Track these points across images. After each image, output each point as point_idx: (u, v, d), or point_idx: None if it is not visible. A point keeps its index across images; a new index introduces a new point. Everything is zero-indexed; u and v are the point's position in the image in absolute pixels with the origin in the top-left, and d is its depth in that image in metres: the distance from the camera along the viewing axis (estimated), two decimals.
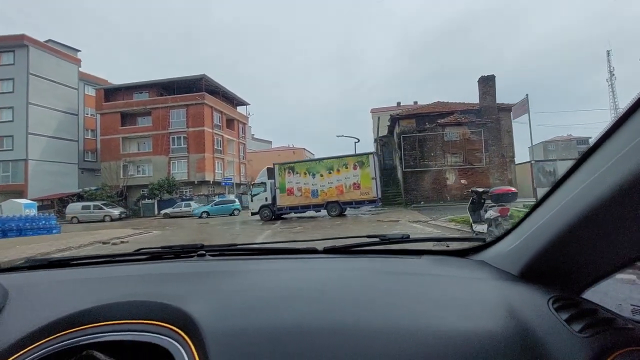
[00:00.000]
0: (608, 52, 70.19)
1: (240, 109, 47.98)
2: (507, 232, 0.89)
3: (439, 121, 21.25)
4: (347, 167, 16.79)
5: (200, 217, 26.89)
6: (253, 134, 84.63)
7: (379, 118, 22.43)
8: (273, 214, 17.91)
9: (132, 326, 0.69)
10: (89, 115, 43.36)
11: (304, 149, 73.87)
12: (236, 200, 29.11)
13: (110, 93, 40.33)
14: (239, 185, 43.07)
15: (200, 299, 0.76)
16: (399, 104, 58.11)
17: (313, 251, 1.16)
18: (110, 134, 39.19)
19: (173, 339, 0.65)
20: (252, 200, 18.94)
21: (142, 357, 0.66)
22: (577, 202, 0.62)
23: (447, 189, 20.86)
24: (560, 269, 0.72)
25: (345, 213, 17.86)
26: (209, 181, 37.15)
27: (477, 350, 0.57)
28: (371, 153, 16.89)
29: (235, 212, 27.35)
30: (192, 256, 1.14)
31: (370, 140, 51.00)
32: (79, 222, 28.39)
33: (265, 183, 18.54)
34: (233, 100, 45.28)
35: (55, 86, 38.92)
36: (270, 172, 18.63)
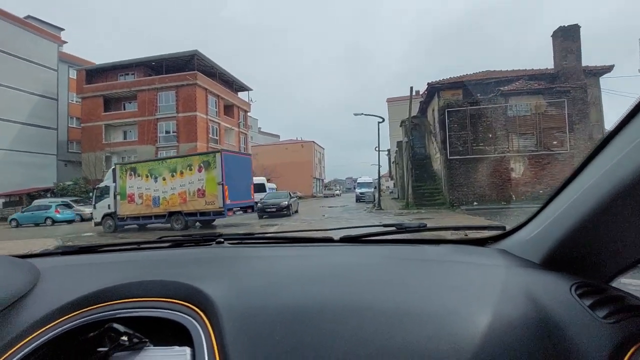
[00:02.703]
0: None
1: (242, 95, 42.52)
2: (528, 220, 0.87)
3: (502, 88, 15.13)
4: (191, 169, 13.28)
5: (10, 223, 21.77)
6: (260, 127, 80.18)
7: (411, 88, 16.12)
8: (116, 225, 14.65)
9: (151, 303, 0.72)
10: (73, 102, 38.42)
11: (314, 142, 68.20)
12: (53, 205, 22.54)
13: (93, 75, 35.36)
14: None
15: (218, 280, 0.78)
16: (412, 89, 51.85)
17: (329, 240, 1.18)
18: (92, 120, 34.24)
19: (190, 316, 0.68)
20: (95, 208, 15.55)
21: (162, 333, 0.69)
22: (598, 188, 0.60)
23: (512, 184, 14.83)
24: (584, 257, 0.70)
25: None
26: None
27: (498, 334, 0.56)
28: (219, 151, 13.26)
29: (49, 222, 21.22)
30: (211, 244, 1.18)
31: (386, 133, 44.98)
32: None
33: (109, 187, 15.13)
34: (232, 84, 39.78)
35: (31, 66, 34.04)
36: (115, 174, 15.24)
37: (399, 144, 29.25)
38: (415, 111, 22.29)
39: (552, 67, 16.57)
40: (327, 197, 58.64)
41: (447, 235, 1.29)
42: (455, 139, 15.41)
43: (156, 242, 1.26)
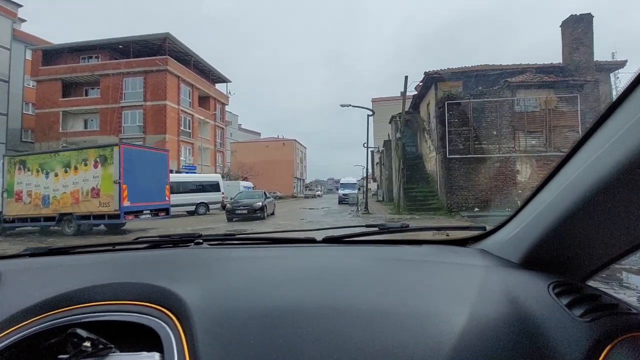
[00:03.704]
0: None
1: (220, 87, 39.66)
2: (508, 220, 0.87)
3: (510, 80, 13.37)
4: (86, 165, 11.26)
5: None
6: (240, 124, 77.33)
7: (406, 78, 14.15)
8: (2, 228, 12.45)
9: (118, 307, 0.68)
10: (30, 86, 34.45)
11: (295, 140, 65.87)
12: None
13: (51, 56, 31.71)
14: None
15: (192, 282, 0.75)
16: (407, 79, 50.45)
17: (311, 241, 1.16)
18: (48, 106, 30.64)
19: (161, 320, 0.64)
20: None
21: (133, 338, 0.65)
22: (574, 188, 0.61)
23: (518, 187, 13.09)
24: (561, 256, 0.71)
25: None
26: (172, 170, 28.79)
27: (476, 334, 0.55)
28: (116, 144, 11.28)
29: None
30: (189, 245, 1.14)
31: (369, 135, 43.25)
32: None
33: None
34: (209, 74, 36.92)
35: None
36: None
37: (386, 143, 27.38)
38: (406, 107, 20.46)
39: (556, 62, 15.01)
40: (307, 197, 56.75)
41: (429, 235, 1.31)
42: (456, 135, 13.55)
43: (132, 242, 1.22)
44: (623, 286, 3.28)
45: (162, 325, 0.63)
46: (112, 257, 1.07)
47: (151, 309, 0.67)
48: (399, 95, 50.62)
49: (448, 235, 1.19)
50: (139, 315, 0.66)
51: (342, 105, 16.14)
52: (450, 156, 13.51)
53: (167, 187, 12.74)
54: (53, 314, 0.68)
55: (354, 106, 16.21)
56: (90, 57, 31.88)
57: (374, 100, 60.51)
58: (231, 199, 17.08)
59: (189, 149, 32.35)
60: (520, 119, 13.40)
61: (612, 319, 0.55)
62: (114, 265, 0.95)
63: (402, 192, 15.51)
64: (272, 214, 17.08)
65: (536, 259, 0.75)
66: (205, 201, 20.25)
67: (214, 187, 21.28)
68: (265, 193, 16.79)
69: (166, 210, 12.60)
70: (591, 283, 0.71)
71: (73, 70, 30.72)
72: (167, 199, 12.63)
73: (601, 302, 0.59)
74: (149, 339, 0.62)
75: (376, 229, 1.13)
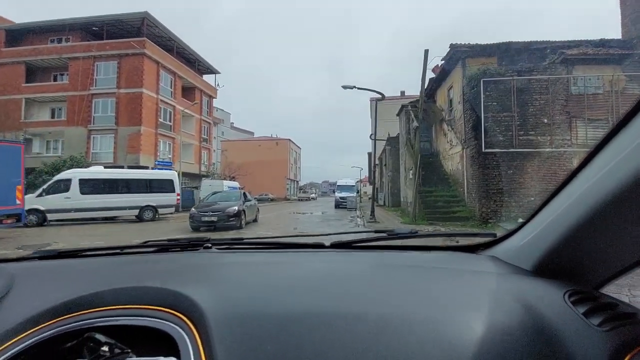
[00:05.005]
0: None
1: (208, 78, 36.28)
2: (519, 227, 0.87)
3: (567, 52, 10.28)
4: None
5: None
6: (232, 123, 74.06)
7: (426, 52, 10.97)
8: None
9: (134, 311, 0.69)
10: None
11: (290, 140, 62.64)
12: None
13: (15, 36, 28.13)
14: (196, 176, 31.46)
15: (205, 286, 0.76)
16: (402, 93, 47.62)
17: (320, 245, 1.16)
18: (9, 92, 26.99)
19: (177, 325, 0.65)
20: None
21: (147, 342, 0.65)
22: (590, 195, 0.60)
23: None
24: (575, 264, 0.71)
25: None
26: (148, 167, 25.28)
27: (490, 341, 0.55)
28: None
29: None
30: (198, 249, 1.14)
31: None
32: None
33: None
34: (195, 64, 33.57)
35: None
36: None
37: (390, 140, 24.25)
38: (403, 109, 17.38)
39: (609, 36, 12.00)
40: (301, 200, 53.48)
41: (439, 242, 1.30)
42: (494, 123, 10.44)
43: (141, 246, 1.20)
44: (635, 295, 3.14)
45: (177, 330, 0.63)
46: (121, 261, 1.06)
47: (166, 314, 0.67)
48: (400, 95, 47.99)
49: (458, 242, 1.18)
50: (155, 320, 0.66)
51: (345, 87, 13.01)
52: (486, 150, 10.35)
53: (20, 187, 10.43)
54: (68, 317, 0.68)
55: (358, 88, 13.08)
56: (60, 39, 28.36)
57: (372, 100, 57.65)
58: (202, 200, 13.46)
59: (169, 144, 28.92)
60: (578, 103, 10.36)
61: (630, 328, 0.54)
62: (124, 269, 0.95)
63: (417, 197, 12.32)
64: (254, 220, 13.75)
65: (549, 267, 0.74)
66: (154, 204, 16.25)
67: (167, 186, 17.08)
68: (245, 194, 13.28)
69: (17, 217, 10.38)
70: (604, 291, 0.70)
71: (38, 53, 27.16)
72: (18, 202, 10.35)
73: (619, 311, 0.58)
74: (164, 344, 0.62)
75: (385, 234, 1.14)
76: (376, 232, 1.17)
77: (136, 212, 15.94)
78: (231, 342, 0.58)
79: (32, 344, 0.63)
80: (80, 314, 0.68)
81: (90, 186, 15.15)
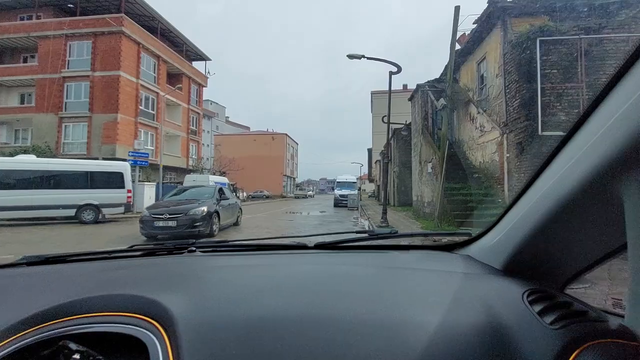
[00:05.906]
0: None
1: (197, 65, 33.39)
2: (493, 225, 0.87)
3: None
4: None
5: None
6: (228, 117, 71.22)
7: (457, 8, 8.24)
8: None
9: (108, 318, 0.69)
10: None
11: (286, 134, 59.88)
12: None
13: None
14: (183, 170, 28.69)
15: (180, 292, 0.77)
16: (405, 86, 44.94)
17: (303, 247, 1.18)
18: None
19: (147, 330, 0.65)
20: None
21: (124, 350, 0.66)
22: (553, 194, 0.61)
23: None
24: (541, 263, 0.72)
25: None
26: (125, 159, 22.48)
27: (448, 342, 0.57)
28: None
29: None
30: (183, 252, 1.15)
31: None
32: None
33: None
34: (183, 48, 30.70)
35: None
36: None
37: (397, 131, 21.53)
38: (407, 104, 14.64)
39: None
40: (298, 197, 50.92)
41: (419, 241, 1.32)
42: (555, 98, 7.75)
43: (127, 250, 1.23)
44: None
45: (149, 335, 0.64)
46: (107, 266, 1.07)
47: (139, 320, 0.67)
48: (402, 87, 45.15)
49: (435, 241, 0.93)
50: (127, 326, 0.66)
51: (350, 56, 10.32)
52: (544, 133, 7.66)
53: None
54: (45, 326, 0.69)
55: (368, 58, 10.37)
56: (30, 17, 25.45)
57: (374, 93, 54.86)
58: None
59: (151, 135, 26.11)
60: None
61: (580, 326, 0.56)
62: (109, 274, 0.96)
63: (442, 196, 9.64)
64: (235, 224, 11.04)
65: (517, 266, 0.75)
66: (96, 202, 13.08)
67: (114, 180, 13.78)
68: (222, 190, 10.31)
69: None
70: (575, 289, 0.70)
71: (4, 31, 24.26)
72: None
73: (572, 309, 0.60)
74: (140, 350, 0.62)
75: (366, 235, 1.17)
76: (358, 232, 1.21)
77: (72, 212, 12.73)
78: (199, 347, 0.58)
79: (8, 354, 0.64)
80: (57, 322, 0.69)
81: (11, 179, 12.11)
